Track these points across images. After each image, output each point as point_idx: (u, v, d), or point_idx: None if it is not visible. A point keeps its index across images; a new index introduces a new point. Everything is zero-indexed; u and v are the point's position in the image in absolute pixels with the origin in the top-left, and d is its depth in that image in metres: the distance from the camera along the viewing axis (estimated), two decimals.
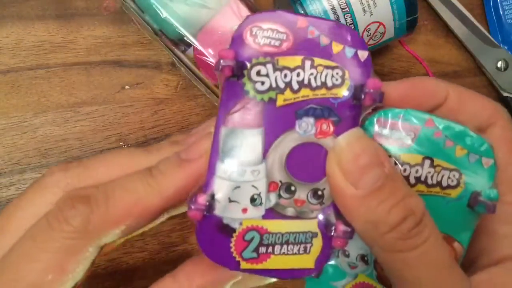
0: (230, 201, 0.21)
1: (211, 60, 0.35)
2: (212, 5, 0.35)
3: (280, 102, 0.21)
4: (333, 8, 0.33)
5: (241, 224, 0.21)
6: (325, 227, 0.21)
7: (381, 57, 0.41)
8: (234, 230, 0.21)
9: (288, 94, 0.21)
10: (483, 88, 0.42)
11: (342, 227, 0.20)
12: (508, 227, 0.22)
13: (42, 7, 0.39)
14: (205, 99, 0.39)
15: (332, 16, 0.33)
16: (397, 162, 0.20)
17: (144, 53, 0.39)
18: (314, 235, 0.21)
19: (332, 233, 0.21)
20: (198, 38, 0.35)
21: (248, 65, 0.21)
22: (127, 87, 0.39)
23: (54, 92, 0.38)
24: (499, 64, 0.41)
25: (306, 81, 0.21)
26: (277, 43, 0.21)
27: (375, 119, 0.21)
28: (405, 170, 0.20)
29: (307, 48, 0.21)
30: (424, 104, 0.22)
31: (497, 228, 0.22)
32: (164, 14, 0.34)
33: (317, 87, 0.21)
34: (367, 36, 0.35)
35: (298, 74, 0.21)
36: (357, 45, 0.21)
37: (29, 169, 0.38)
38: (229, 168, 0.21)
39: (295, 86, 0.21)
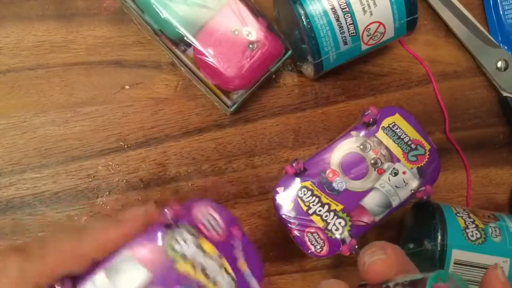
0: None
1: (211, 60, 0.35)
2: (212, 5, 0.35)
3: (180, 267, 0.23)
4: (333, 8, 0.33)
5: None
6: None
7: (381, 57, 0.41)
8: None
9: (186, 266, 0.23)
10: (483, 88, 0.42)
11: None
12: None
13: (42, 7, 0.39)
14: (205, 99, 0.39)
15: (332, 16, 0.33)
16: None
17: (144, 53, 0.39)
18: None
19: None
20: (198, 38, 0.35)
21: (181, 226, 0.24)
22: (127, 87, 0.39)
23: (54, 92, 0.38)
24: (499, 64, 0.41)
25: (205, 268, 0.24)
26: (210, 229, 0.25)
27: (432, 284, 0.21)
28: None
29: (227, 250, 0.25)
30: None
31: None
32: (164, 14, 0.34)
33: (207, 276, 0.24)
34: (367, 36, 0.35)
35: (206, 261, 0.24)
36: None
37: (29, 169, 0.38)
38: None
39: (197, 266, 0.24)
